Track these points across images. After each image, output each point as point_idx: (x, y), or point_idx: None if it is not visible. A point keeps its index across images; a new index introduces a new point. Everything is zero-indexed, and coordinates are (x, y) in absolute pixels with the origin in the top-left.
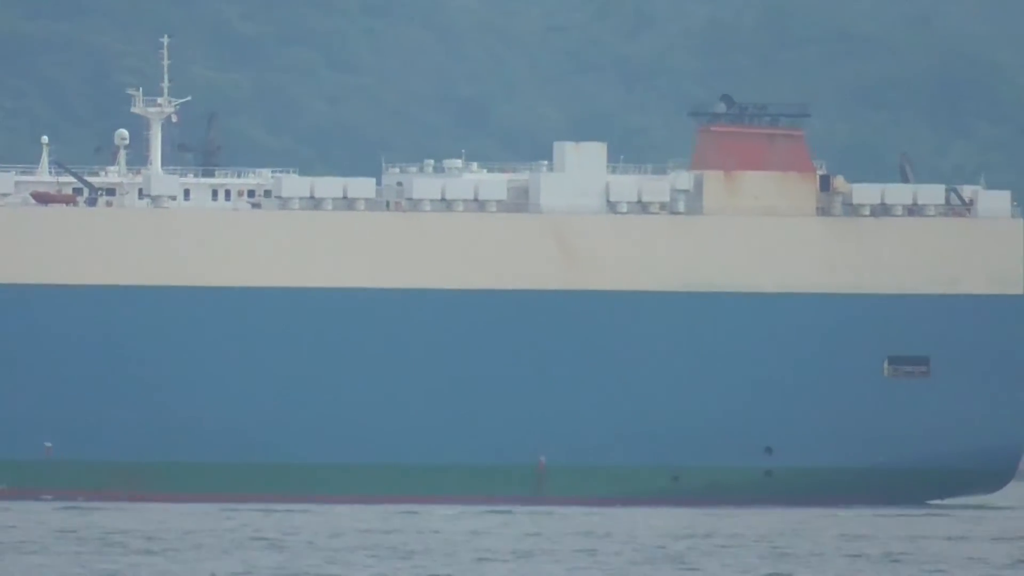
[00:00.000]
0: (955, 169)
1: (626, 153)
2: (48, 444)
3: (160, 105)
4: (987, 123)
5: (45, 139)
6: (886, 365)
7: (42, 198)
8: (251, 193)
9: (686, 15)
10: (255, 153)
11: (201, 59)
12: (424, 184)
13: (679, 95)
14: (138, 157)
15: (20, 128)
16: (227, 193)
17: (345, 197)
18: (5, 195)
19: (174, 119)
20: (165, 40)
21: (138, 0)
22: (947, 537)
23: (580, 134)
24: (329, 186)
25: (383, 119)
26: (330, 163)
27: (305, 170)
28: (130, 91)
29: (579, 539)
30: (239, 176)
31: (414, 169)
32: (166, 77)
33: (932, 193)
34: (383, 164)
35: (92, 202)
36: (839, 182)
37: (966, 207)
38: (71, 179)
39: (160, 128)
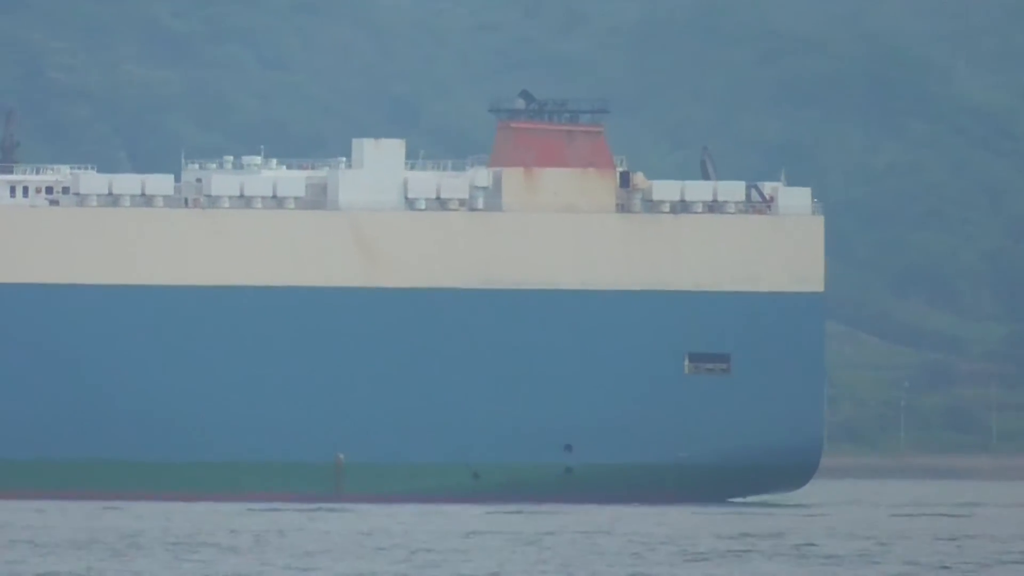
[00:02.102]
0: (888, 167)
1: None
2: None
3: None
4: (919, 120)
5: None
6: (686, 362)
7: None
8: (49, 190)
9: (617, 13)
10: (184, 151)
11: (133, 57)
12: (222, 181)
13: (610, 93)
14: None
15: None
16: (24, 190)
17: (143, 194)
18: None
19: None
20: None
21: None
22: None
23: None
24: (127, 183)
25: (314, 116)
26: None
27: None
28: None
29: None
30: (37, 173)
31: (213, 165)
32: None
33: (733, 190)
34: (183, 160)
35: None
36: (639, 179)
37: (767, 204)
38: None
39: None
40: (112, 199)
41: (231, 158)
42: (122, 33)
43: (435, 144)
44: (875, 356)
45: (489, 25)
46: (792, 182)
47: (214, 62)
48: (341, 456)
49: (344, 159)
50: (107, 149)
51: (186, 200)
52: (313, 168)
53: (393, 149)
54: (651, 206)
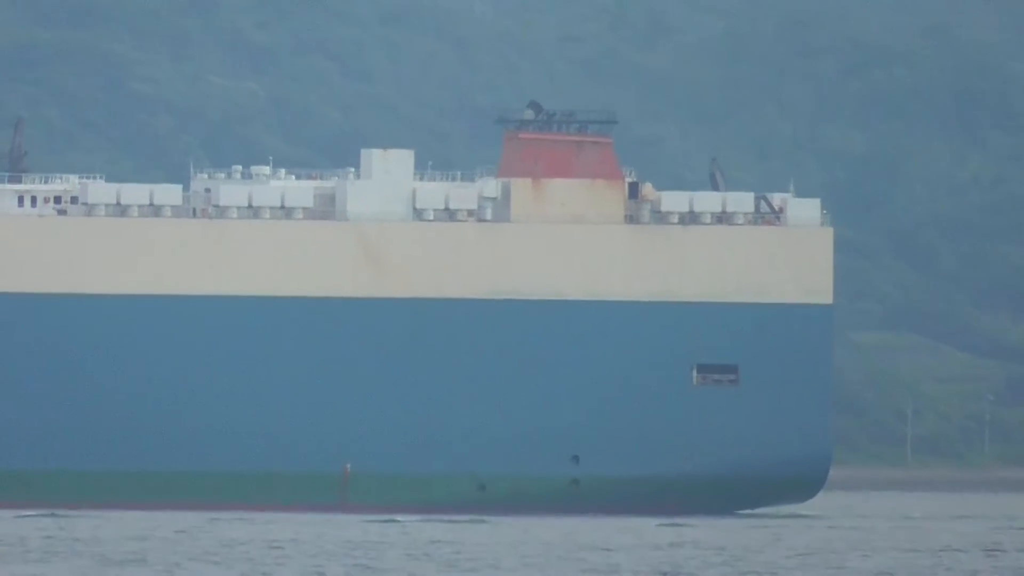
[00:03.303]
0: (972, 180)
1: (642, 163)
2: None
3: None
4: (1004, 133)
5: None
6: (695, 373)
7: None
8: (58, 199)
9: (702, 25)
10: (267, 161)
11: (216, 68)
12: (231, 191)
13: (696, 105)
14: None
15: (36, 136)
16: (33, 199)
17: (152, 204)
18: None
19: None
20: None
21: (155, 9)
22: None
23: None
24: (135, 193)
25: (398, 127)
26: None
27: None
28: None
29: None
30: (45, 182)
31: (222, 175)
32: None
33: (741, 201)
34: (191, 170)
35: None
36: (647, 190)
37: (775, 215)
38: None
39: None
40: (120, 209)
41: (240, 167)
42: (205, 44)
43: None
44: (959, 369)
45: (574, 37)
46: (876, 194)
47: (297, 73)
48: (348, 466)
49: (353, 169)
50: (189, 159)
51: (194, 210)
52: (322, 178)
53: (402, 159)
54: (660, 217)
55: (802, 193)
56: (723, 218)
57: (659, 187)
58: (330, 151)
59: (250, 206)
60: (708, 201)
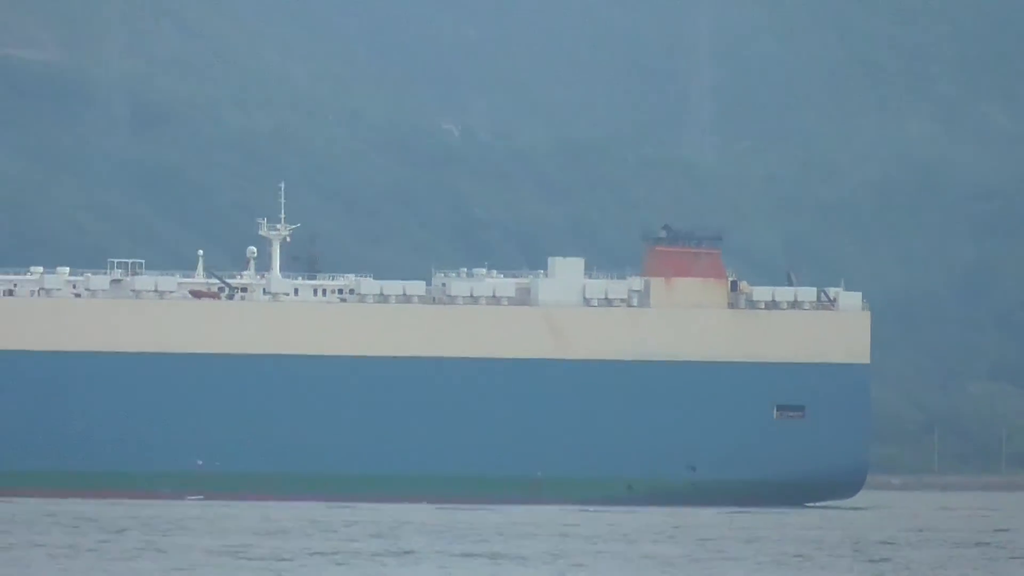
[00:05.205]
0: None
1: (742, 265)
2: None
3: (279, 229)
4: None
5: (200, 252)
6: (775, 410)
7: (196, 294)
8: (340, 291)
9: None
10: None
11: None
12: (458, 285)
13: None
14: (263, 264)
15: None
16: (323, 291)
17: (404, 294)
18: (171, 292)
19: (287, 239)
20: (282, 185)
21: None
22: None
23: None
24: (393, 286)
25: (574, 241)
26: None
27: (382, 274)
28: (258, 220)
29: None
30: (332, 279)
31: (453, 274)
32: (283, 211)
33: (807, 293)
34: (432, 270)
35: (231, 297)
36: (744, 286)
37: (831, 303)
38: (216, 280)
39: (279, 245)
40: (383, 298)
41: (465, 269)
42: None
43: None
44: None
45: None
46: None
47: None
48: (539, 471)
49: (543, 271)
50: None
51: (433, 299)
52: (521, 277)
53: (576, 264)
54: (751, 304)
55: (850, 288)
56: (795, 305)
57: (752, 283)
58: (528, 257)
59: (471, 296)
60: (784, 293)
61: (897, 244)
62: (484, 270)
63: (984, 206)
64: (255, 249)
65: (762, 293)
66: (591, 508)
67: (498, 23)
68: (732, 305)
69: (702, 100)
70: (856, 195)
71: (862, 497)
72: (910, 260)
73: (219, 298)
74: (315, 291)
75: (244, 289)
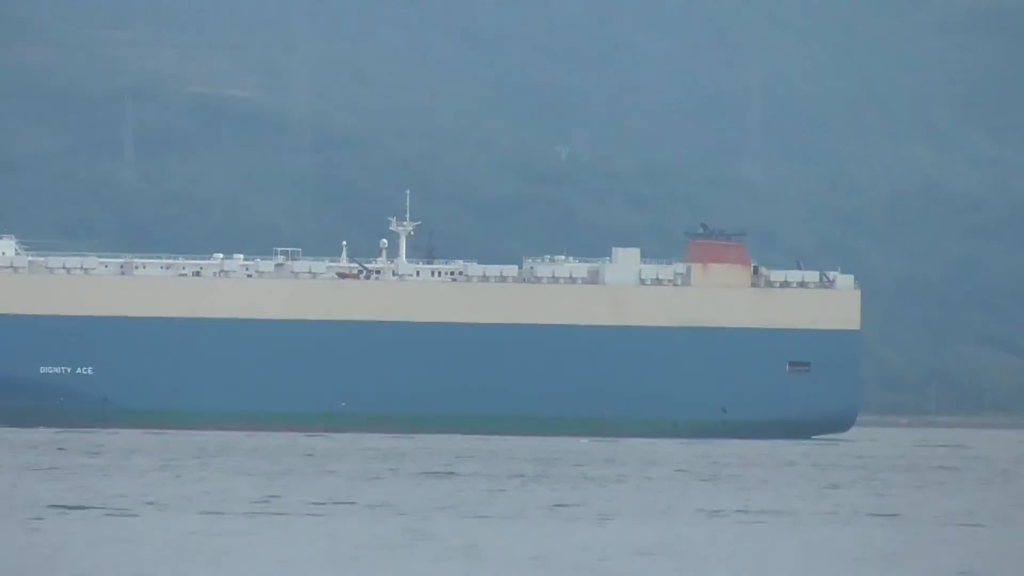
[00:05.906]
0: None
1: (762, 250)
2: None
3: (404, 225)
4: None
5: (344, 243)
6: (787, 366)
7: (342, 275)
8: (452, 273)
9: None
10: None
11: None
12: (543, 268)
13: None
14: (393, 252)
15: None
16: (439, 273)
17: (501, 276)
18: (322, 273)
19: (411, 233)
20: (407, 193)
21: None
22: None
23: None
24: (491, 269)
25: (632, 233)
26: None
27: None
28: (389, 218)
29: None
30: (446, 263)
31: (539, 260)
32: (408, 211)
33: (812, 276)
34: (522, 257)
35: (368, 277)
36: (763, 270)
37: (830, 283)
38: (356, 265)
39: (405, 237)
40: (485, 279)
41: (548, 256)
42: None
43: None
44: None
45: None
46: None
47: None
48: (605, 411)
49: (608, 258)
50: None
51: (524, 279)
52: (592, 263)
53: (634, 254)
54: (769, 284)
55: (864, 276)
56: (802, 284)
57: (770, 268)
58: (593, 248)
59: (554, 277)
60: (794, 276)
61: (903, 242)
62: (563, 257)
63: (973, 215)
64: (386, 241)
65: (777, 276)
66: (670, 440)
67: (598, 72)
68: (754, 285)
69: (753, 131)
70: (871, 205)
71: (856, 432)
72: (913, 255)
73: (359, 278)
74: (432, 273)
75: (378, 272)
